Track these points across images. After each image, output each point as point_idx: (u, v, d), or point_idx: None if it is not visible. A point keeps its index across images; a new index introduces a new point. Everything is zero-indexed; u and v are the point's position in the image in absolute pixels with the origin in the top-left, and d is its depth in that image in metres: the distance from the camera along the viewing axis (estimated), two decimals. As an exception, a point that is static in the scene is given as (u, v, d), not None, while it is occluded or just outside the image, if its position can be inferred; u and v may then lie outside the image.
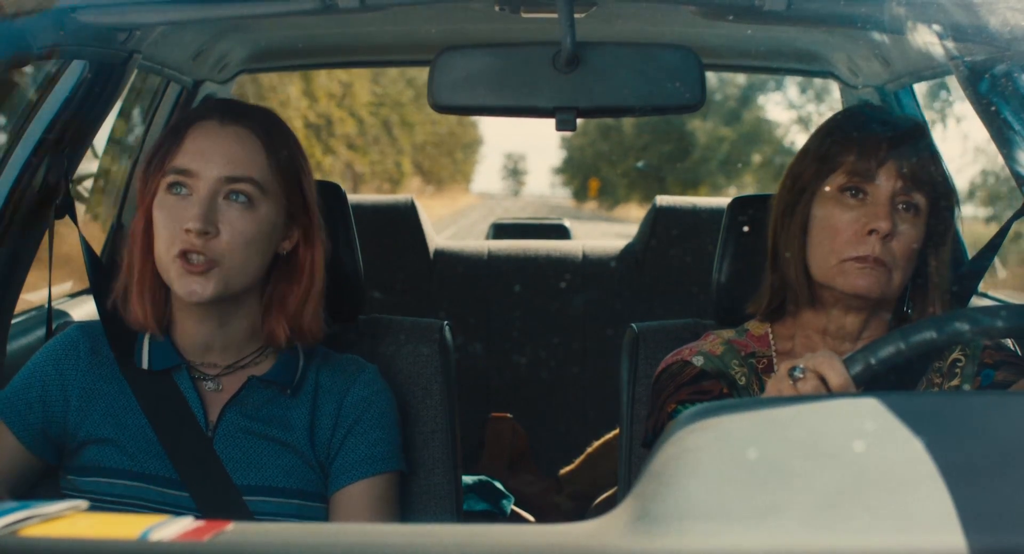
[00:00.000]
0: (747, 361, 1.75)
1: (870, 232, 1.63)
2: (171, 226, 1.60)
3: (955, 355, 1.72)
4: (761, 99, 31.24)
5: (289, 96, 19.48)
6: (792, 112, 31.88)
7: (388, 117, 28.98)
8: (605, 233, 22.97)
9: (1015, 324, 1.37)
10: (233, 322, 1.67)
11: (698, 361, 1.73)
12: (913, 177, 1.64)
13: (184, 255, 1.58)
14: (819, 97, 30.49)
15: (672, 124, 32.85)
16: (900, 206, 1.65)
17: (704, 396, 1.70)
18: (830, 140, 1.70)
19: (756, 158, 29.76)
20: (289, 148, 1.67)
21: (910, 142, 1.67)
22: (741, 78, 30.42)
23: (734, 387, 1.72)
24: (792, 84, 31.17)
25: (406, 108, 30.19)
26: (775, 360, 1.74)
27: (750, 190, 27.19)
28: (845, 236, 1.64)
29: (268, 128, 1.65)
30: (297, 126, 18.85)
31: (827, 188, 1.68)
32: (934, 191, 1.67)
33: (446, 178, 43.87)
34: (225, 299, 1.63)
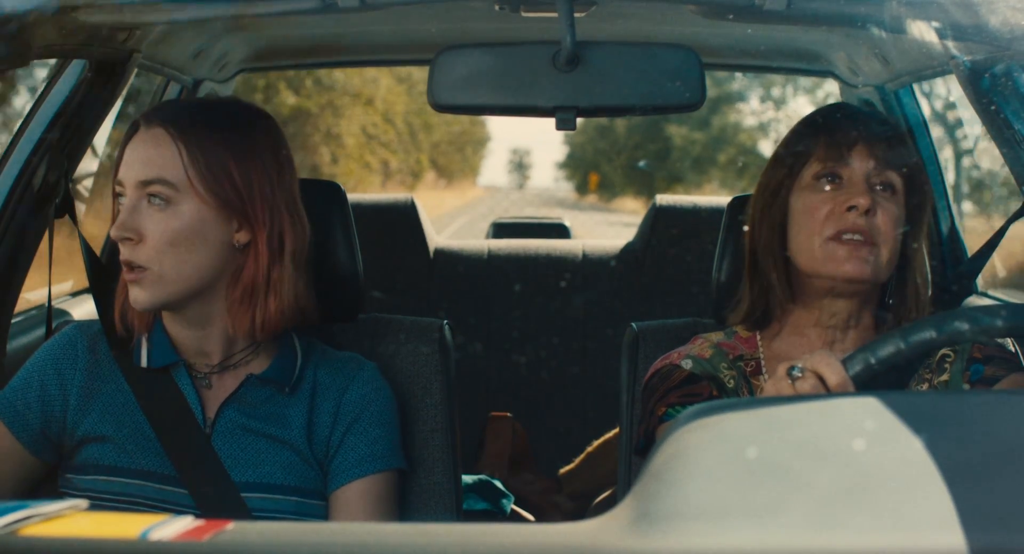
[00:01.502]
0: (735, 364, 1.74)
1: (849, 209, 1.63)
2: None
3: (944, 350, 1.72)
4: (726, 108, 34.95)
5: (355, 113, 25.71)
6: (753, 118, 36.94)
7: (413, 122, 35.10)
8: (605, 222, 25.98)
9: (1015, 323, 1.37)
10: (212, 322, 1.67)
11: (687, 364, 1.73)
12: (886, 157, 1.65)
13: (126, 265, 1.61)
14: (777, 105, 34.82)
15: (655, 128, 37.48)
16: (877, 186, 1.66)
17: (694, 399, 1.69)
18: (797, 139, 1.72)
19: (721, 158, 34.15)
20: (218, 143, 1.62)
21: (878, 127, 1.69)
22: (712, 90, 33.61)
23: (723, 390, 1.72)
24: (754, 96, 35.67)
25: (428, 113, 35.09)
26: (763, 363, 1.74)
27: (716, 185, 32.75)
28: (823, 214, 1.64)
29: (189, 125, 1.62)
30: (358, 135, 25.58)
31: (802, 180, 1.69)
32: (908, 172, 1.68)
33: (456, 172, 50.47)
34: (184, 303, 1.63)
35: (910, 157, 1.69)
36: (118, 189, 1.64)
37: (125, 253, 1.60)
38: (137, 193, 1.61)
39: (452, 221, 23.56)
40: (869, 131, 1.67)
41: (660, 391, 1.72)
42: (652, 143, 38.95)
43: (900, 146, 1.68)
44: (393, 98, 29.73)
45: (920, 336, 1.36)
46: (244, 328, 1.65)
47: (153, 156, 1.61)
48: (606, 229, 22.27)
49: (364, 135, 26.69)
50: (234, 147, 1.63)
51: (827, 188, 1.66)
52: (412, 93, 31.95)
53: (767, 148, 34.45)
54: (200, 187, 1.60)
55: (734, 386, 1.72)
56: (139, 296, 1.61)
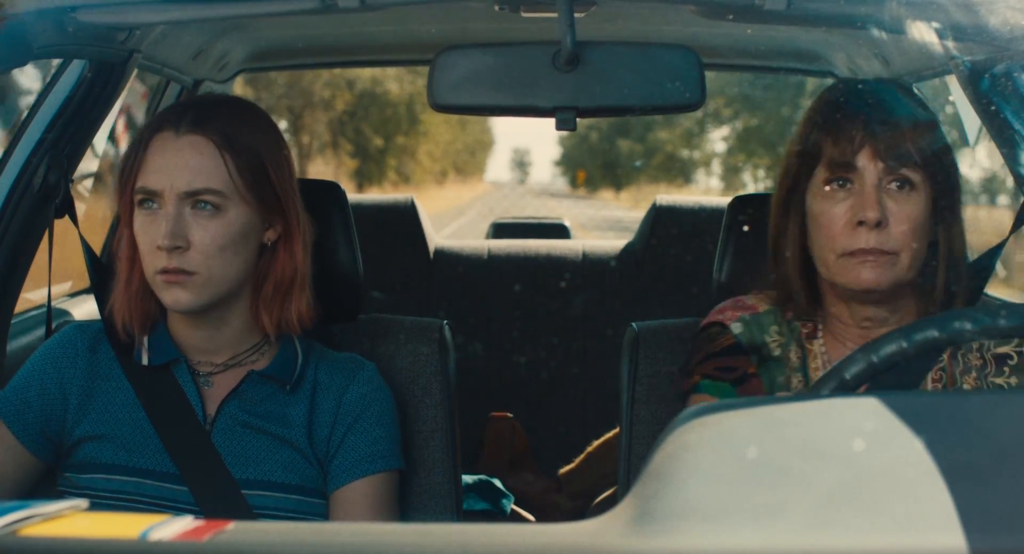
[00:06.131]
0: (790, 325, 1.71)
1: (860, 223, 1.58)
2: (148, 244, 1.62)
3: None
4: (656, 127, 47.10)
5: (424, 143, 40.18)
6: (677, 134, 47.77)
7: (447, 138, 50.73)
8: (585, 206, 37.24)
9: (1018, 323, 1.36)
10: (229, 323, 1.68)
11: (736, 328, 1.71)
12: (896, 154, 1.58)
13: (164, 271, 1.60)
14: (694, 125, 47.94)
15: (612, 141, 53.35)
16: (892, 185, 1.59)
17: (729, 374, 1.68)
18: (809, 130, 1.65)
19: (654, 162, 48.87)
20: (254, 145, 1.65)
21: (887, 117, 1.60)
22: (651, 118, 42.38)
23: (764, 362, 1.69)
24: (676, 118, 47.38)
25: (454, 131, 50.79)
26: (819, 327, 1.70)
27: (650, 181, 46.49)
28: (837, 230, 1.60)
29: (227, 130, 1.64)
30: (424, 155, 40.81)
31: (815, 182, 1.64)
32: (926, 160, 1.59)
33: (468, 171, 67.85)
34: (216, 304, 1.64)
35: (928, 145, 1.59)
36: (147, 197, 1.62)
37: (173, 261, 1.60)
38: (180, 201, 1.61)
39: (469, 208, 32.51)
40: (875, 130, 1.59)
41: (702, 353, 1.71)
42: (611, 152, 53.28)
43: (914, 136, 1.59)
44: (442, 130, 43.93)
45: (922, 335, 1.35)
46: (274, 324, 1.67)
47: (198, 165, 1.61)
48: (585, 209, 31.55)
49: (426, 154, 41.76)
50: (265, 148, 1.67)
51: (839, 195, 1.60)
52: (449, 122, 44.92)
53: (685, 153, 48.12)
54: (246, 193, 1.63)
55: (780, 354, 1.69)
56: (183, 298, 1.61)
